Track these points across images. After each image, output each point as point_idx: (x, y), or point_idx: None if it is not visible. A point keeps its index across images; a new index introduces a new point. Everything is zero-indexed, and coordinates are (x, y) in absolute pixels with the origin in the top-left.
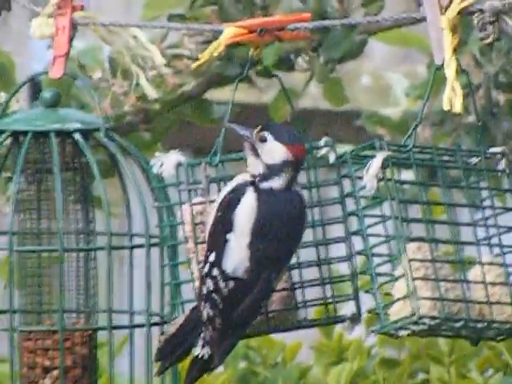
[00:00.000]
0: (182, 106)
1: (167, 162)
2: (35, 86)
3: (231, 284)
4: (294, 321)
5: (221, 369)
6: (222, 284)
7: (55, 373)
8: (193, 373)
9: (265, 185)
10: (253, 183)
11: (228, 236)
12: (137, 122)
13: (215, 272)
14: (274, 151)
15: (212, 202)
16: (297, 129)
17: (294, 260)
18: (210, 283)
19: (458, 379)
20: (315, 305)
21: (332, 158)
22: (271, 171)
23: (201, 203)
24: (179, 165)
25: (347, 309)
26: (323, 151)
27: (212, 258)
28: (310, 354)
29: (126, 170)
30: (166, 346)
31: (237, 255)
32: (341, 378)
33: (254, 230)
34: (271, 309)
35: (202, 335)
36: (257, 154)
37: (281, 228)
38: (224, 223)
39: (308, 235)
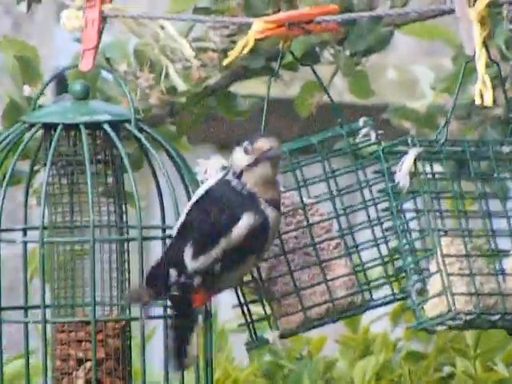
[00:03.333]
0: (207, 100)
1: (211, 168)
2: (60, 79)
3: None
4: (361, 303)
5: (246, 362)
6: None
7: (88, 364)
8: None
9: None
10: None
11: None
12: (162, 116)
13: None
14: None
15: None
16: (321, 122)
17: (352, 243)
18: None
19: (484, 372)
20: (378, 285)
21: (373, 137)
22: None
23: None
24: (223, 168)
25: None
26: (363, 131)
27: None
28: (336, 347)
29: (158, 161)
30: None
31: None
32: (366, 372)
33: (193, 205)
34: (335, 296)
35: None
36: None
37: (212, 212)
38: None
39: (363, 216)
